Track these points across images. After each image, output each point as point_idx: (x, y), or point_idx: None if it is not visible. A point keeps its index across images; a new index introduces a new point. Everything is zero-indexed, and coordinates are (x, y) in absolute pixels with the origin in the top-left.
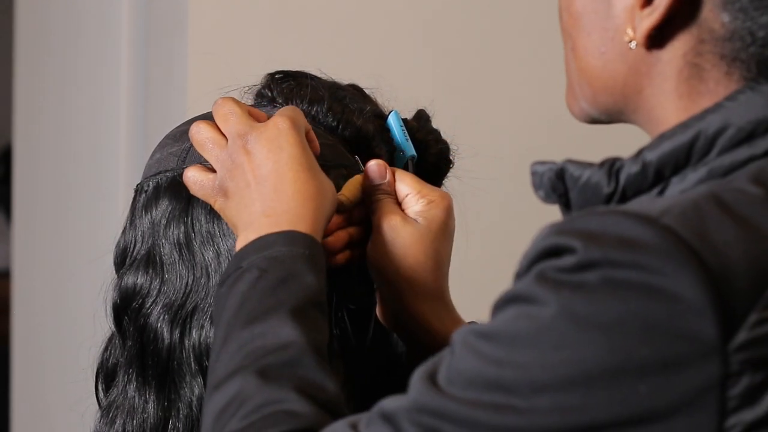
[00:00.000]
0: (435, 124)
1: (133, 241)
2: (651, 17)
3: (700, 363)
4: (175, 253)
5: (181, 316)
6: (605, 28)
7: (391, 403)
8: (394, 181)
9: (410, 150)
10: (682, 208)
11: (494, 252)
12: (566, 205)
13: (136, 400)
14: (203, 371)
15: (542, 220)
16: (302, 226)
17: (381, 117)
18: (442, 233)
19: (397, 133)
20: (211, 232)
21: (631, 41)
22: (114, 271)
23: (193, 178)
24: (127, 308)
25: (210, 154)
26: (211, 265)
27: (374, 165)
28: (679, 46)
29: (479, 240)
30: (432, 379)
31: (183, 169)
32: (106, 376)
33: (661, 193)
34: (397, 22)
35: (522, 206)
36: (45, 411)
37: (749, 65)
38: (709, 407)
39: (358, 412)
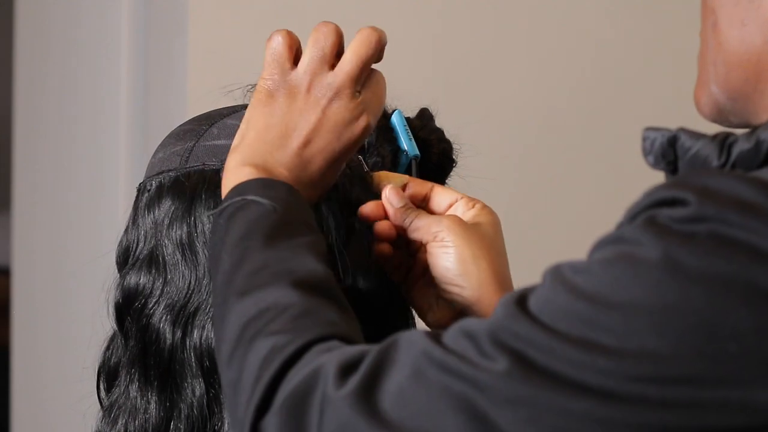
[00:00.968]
0: (438, 123)
1: (135, 240)
2: None
3: None
4: (177, 253)
5: (184, 316)
6: None
7: (474, 322)
8: (428, 193)
9: (413, 149)
10: None
11: None
12: (673, 173)
13: (138, 401)
14: (204, 372)
15: (545, 219)
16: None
17: (384, 116)
18: (500, 233)
19: (400, 133)
20: None
21: None
22: (116, 270)
23: (277, 45)
24: (129, 308)
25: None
26: None
27: (390, 190)
28: None
29: None
30: (521, 304)
31: (186, 168)
32: (107, 375)
33: None
34: (399, 21)
35: (525, 205)
36: (45, 410)
37: None
38: None
39: None
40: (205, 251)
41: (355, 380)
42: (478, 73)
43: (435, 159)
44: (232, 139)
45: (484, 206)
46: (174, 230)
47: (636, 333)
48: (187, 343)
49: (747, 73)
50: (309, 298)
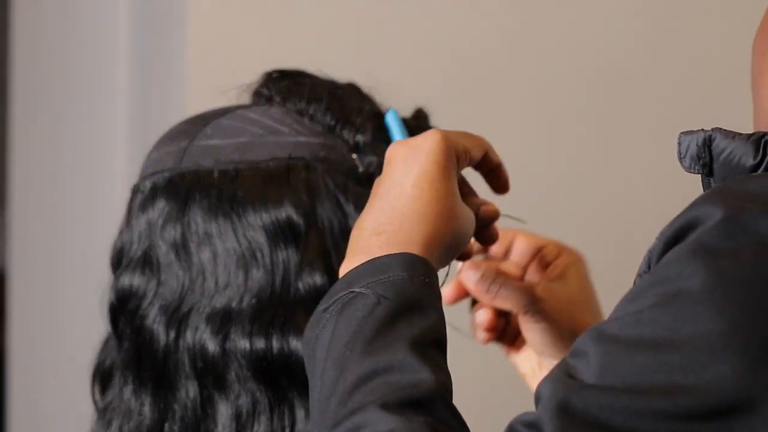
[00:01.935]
0: (433, 123)
1: (129, 241)
2: None
3: None
4: (171, 254)
5: (177, 317)
6: None
7: (526, 414)
8: (511, 242)
9: None
10: None
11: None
12: (708, 175)
13: (133, 402)
14: (198, 373)
15: (541, 218)
16: (416, 249)
17: (379, 116)
18: (588, 275)
19: (395, 132)
20: (208, 232)
21: None
22: (111, 272)
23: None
24: (123, 309)
25: None
26: (207, 266)
27: (465, 268)
28: None
29: None
30: (574, 380)
31: (180, 168)
32: (102, 377)
33: None
34: (395, 21)
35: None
36: (42, 412)
37: None
38: None
39: None
40: (199, 252)
41: None
42: (474, 72)
43: None
44: (226, 139)
45: (570, 251)
46: (168, 231)
47: (709, 362)
48: (181, 344)
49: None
50: (402, 424)
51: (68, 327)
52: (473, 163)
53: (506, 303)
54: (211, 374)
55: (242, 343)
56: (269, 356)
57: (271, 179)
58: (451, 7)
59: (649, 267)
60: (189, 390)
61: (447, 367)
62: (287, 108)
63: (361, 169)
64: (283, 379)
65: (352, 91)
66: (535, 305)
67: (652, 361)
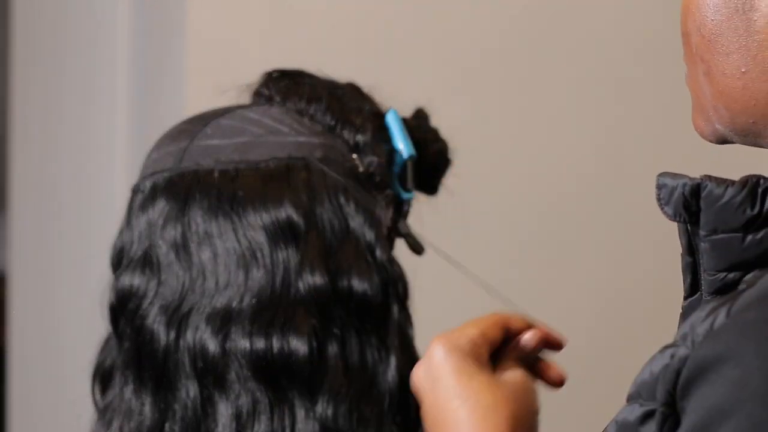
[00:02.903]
0: (433, 123)
1: (129, 241)
2: None
3: None
4: (171, 253)
5: (177, 317)
6: (746, 46)
7: None
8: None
9: (409, 149)
10: None
11: (494, 250)
12: (694, 225)
13: (133, 402)
14: (198, 372)
15: (541, 219)
16: None
17: (379, 116)
18: None
19: (396, 132)
20: (209, 232)
21: None
22: (111, 272)
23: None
24: (123, 309)
25: None
26: (207, 266)
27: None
28: None
29: (479, 238)
30: None
31: (180, 168)
32: (102, 377)
33: None
34: (395, 21)
35: (520, 204)
36: (42, 412)
37: None
38: None
39: None
40: (199, 252)
41: None
42: (474, 73)
43: (430, 158)
44: (226, 139)
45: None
46: (168, 231)
47: None
48: (181, 344)
49: (755, 117)
50: None
51: (68, 328)
52: (496, 343)
53: None
54: (212, 374)
55: (242, 343)
56: (269, 356)
57: (271, 179)
58: (451, 7)
59: (640, 395)
60: (189, 390)
61: None
62: (287, 108)
63: (361, 169)
64: (283, 379)
65: (352, 91)
66: None
67: None
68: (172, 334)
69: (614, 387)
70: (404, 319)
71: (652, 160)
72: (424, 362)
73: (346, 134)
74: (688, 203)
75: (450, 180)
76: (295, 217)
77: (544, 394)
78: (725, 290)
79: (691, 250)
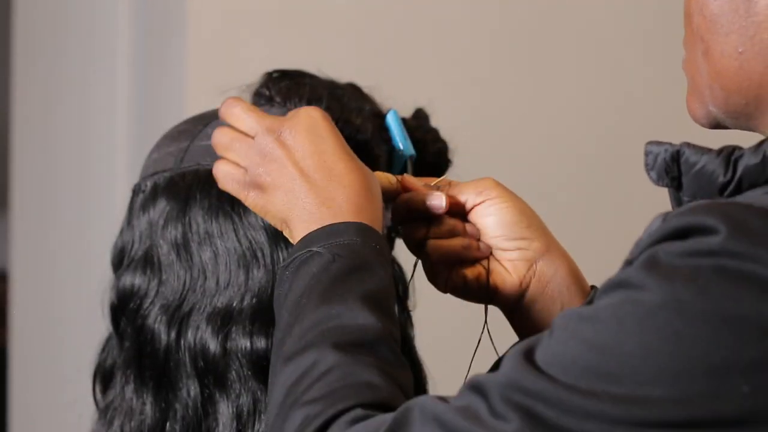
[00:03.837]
0: (433, 123)
1: (130, 241)
2: None
3: None
4: (173, 253)
5: (179, 316)
6: (745, 26)
7: (483, 377)
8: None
9: (409, 149)
10: None
11: None
12: (677, 189)
13: (134, 402)
14: (198, 372)
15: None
16: (366, 218)
17: (380, 116)
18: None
19: (396, 132)
20: (209, 232)
21: None
22: (111, 272)
23: (224, 171)
24: (124, 309)
25: (238, 152)
26: (208, 265)
27: (437, 197)
28: None
29: None
30: (529, 358)
31: (180, 168)
32: (103, 377)
33: None
34: (396, 21)
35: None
36: (43, 412)
37: None
38: None
39: None
40: (200, 252)
41: None
42: (474, 73)
43: (431, 158)
44: None
45: (490, 197)
46: (169, 231)
47: (645, 380)
48: (182, 343)
49: (747, 98)
50: (350, 360)
51: (69, 327)
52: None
53: (463, 196)
54: (212, 373)
55: (243, 343)
56: (270, 355)
57: None
58: (451, 8)
59: (631, 261)
60: (190, 389)
61: (396, 320)
62: (288, 108)
63: None
64: None
65: (352, 91)
66: (491, 191)
67: (593, 363)
68: (173, 334)
69: None
70: (405, 320)
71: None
72: (309, 113)
73: (346, 134)
74: (670, 168)
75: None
76: None
77: None
78: None
79: None
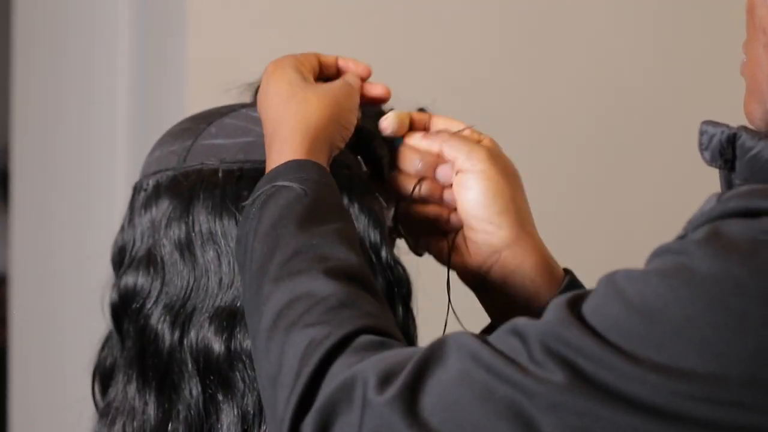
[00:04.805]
0: None
1: (132, 240)
2: None
3: None
4: (176, 253)
5: (182, 316)
6: None
7: (524, 321)
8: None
9: None
10: None
11: None
12: (730, 171)
13: (137, 402)
14: (200, 372)
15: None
16: (310, 155)
17: (380, 115)
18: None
19: None
20: (212, 231)
21: None
22: (112, 270)
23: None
24: (126, 308)
25: None
26: (211, 265)
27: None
28: None
29: None
30: (574, 310)
31: (184, 167)
32: (102, 376)
33: None
34: (397, 21)
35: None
36: (43, 412)
37: None
38: None
39: None
40: (203, 252)
41: (397, 384)
42: (476, 73)
43: None
44: (231, 139)
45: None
46: (172, 230)
47: (689, 351)
48: (185, 343)
49: None
50: (344, 288)
51: (68, 328)
52: (314, 69)
53: (452, 151)
54: (216, 374)
55: (247, 343)
56: None
57: None
58: (451, 8)
59: (684, 236)
60: (193, 389)
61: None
62: None
63: (363, 169)
64: None
65: None
66: (480, 161)
67: (638, 327)
68: (176, 334)
69: None
70: (408, 321)
71: (653, 164)
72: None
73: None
74: (724, 150)
75: None
76: None
77: None
78: None
79: None
